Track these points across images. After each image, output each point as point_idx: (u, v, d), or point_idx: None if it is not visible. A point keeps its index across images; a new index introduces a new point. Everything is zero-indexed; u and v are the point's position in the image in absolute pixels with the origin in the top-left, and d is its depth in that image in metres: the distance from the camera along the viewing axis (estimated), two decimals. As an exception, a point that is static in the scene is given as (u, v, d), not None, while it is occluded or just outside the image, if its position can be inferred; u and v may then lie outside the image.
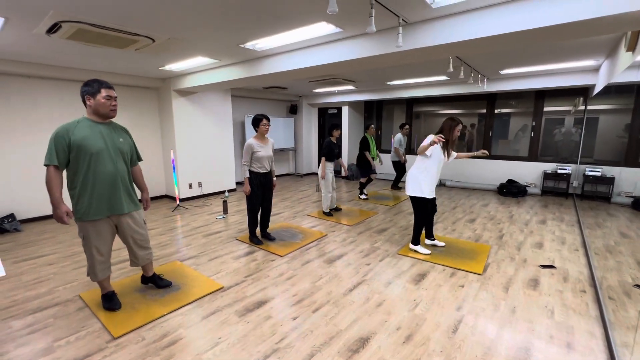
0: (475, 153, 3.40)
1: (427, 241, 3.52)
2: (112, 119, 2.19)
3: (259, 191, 3.46)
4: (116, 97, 2.12)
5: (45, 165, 1.96)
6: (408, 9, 2.38)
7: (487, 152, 3.31)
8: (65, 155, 1.97)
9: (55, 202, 1.96)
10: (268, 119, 3.42)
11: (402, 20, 2.51)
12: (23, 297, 2.50)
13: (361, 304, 2.39)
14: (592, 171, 5.31)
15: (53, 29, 2.71)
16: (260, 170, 3.41)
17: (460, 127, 3.10)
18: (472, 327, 2.12)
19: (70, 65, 4.27)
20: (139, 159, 2.41)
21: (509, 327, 2.12)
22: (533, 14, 2.14)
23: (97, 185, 2.05)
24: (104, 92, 2.03)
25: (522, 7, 2.18)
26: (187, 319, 2.22)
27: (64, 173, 2.06)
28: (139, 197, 2.42)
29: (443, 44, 2.52)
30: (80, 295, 2.52)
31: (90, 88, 2.03)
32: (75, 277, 2.84)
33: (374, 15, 2.09)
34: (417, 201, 3.21)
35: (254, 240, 3.61)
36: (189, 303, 2.41)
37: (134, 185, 2.33)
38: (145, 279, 2.61)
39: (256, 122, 3.40)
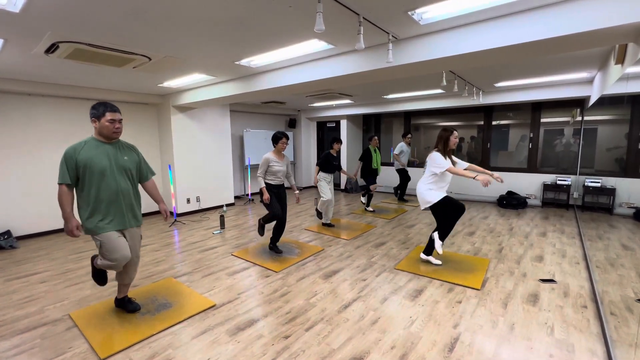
0: (492, 173, 3.02)
1: (423, 256, 3.40)
2: (120, 138, 2.29)
3: (276, 200, 3.61)
4: (121, 119, 2.20)
5: (58, 183, 2.08)
6: (397, 26, 2.42)
7: (501, 179, 2.97)
8: (74, 174, 2.09)
9: (67, 216, 2.08)
10: (287, 137, 3.57)
11: (392, 36, 2.55)
12: (12, 317, 2.46)
13: (355, 322, 2.33)
14: (592, 182, 5.28)
15: (51, 49, 2.77)
16: (273, 183, 3.58)
17: (455, 134, 3.11)
18: (469, 345, 2.05)
19: (69, 83, 4.35)
20: (152, 173, 2.49)
21: (507, 345, 2.05)
22: (518, 30, 2.17)
23: (100, 201, 2.14)
24: (108, 116, 2.13)
25: (506, 24, 2.22)
26: (176, 339, 2.17)
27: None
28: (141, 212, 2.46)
29: (432, 59, 2.56)
30: (70, 314, 2.48)
31: (96, 111, 2.13)
32: (66, 296, 2.80)
33: (362, 32, 2.13)
34: (437, 206, 3.15)
35: (275, 249, 3.74)
36: (180, 322, 2.36)
37: (139, 202, 2.38)
38: (118, 302, 2.52)
39: (276, 139, 3.54)
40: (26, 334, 2.24)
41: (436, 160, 3.07)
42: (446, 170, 3.01)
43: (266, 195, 3.50)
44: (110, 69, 3.55)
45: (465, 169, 3.16)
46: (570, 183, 5.79)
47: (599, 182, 5.21)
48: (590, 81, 4.83)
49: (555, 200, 6.05)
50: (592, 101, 4.64)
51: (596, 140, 5.71)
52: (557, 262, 3.38)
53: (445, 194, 3.15)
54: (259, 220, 3.76)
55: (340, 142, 4.73)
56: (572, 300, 2.59)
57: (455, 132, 3.12)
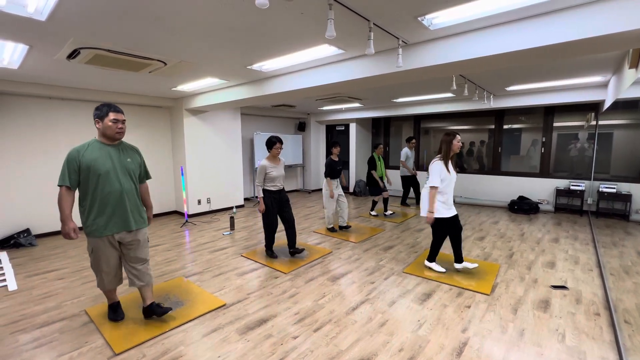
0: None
1: (457, 265, 3.27)
2: (123, 140, 2.30)
3: (274, 208, 3.61)
4: (124, 120, 2.21)
5: (58, 185, 2.09)
6: (406, 31, 2.45)
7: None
8: (77, 177, 2.10)
9: (65, 219, 2.07)
10: (281, 142, 3.59)
11: (402, 41, 2.58)
12: (32, 312, 2.56)
13: (363, 324, 2.35)
14: (606, 187, 5.16)
15: (73, 54, 2.89)
16: (273, 189, 3.58)
17: (458, 137, 3.08)
18: (477, 350, 2.05)
19: (88, 87, 4.51)
20: (148, 177, 2.49)
21: (516, 351, 2.04)
22: (529, 35, 2.18)
23: (104, 203, 2.14)
24: (111, 116, 2.13)
25: (518, 28, 2.22)
26: (188, 336, 2.22)
27: (76, 192, 2.17)
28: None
29: (442, 63, 2.57)
30: (86, 310, 2.57)
31: (100, 112, 2.14)
32: (82, 292, 2.89)
33: (372, 38, 2.16)
34: (436, 222, 3.14)
35: (268, 253, 3.75)
36: (191, 320, 2.42)
37: (142, 202, 2.39)
38: (146, 311, 2.40)
39: (270, 144, 3.56)
40: (45, 328, 2.33)
41: (432, 172, 3.08)
42: (430, 187, 3.07)
43: (262, 206, 3.52)
44: (127, 73, 3.67)
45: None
46: (584, 188, 5.67)
47: (614, 188, 5.09)
48: (604, 85, 4.75)
49: (568, 206, 5.94)
50: (606, 105, 4.56)
51: (612, 145, 5.59)
52: (569, 269, 3.32)
53: (449, 215, 3.10)
54: (265, 247, 3.78)
55: (338, 145, 4.75)
56: (584, 308, 2.55)
57: (457, 135, 3.08)
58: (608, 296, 2.70)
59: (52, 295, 2.85)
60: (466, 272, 3.20)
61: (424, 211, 3.19)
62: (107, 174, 2.13)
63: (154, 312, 2.37)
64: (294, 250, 3.72)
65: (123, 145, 2.30)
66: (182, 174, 5.66)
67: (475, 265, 3.25)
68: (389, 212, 5.83)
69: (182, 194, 5.67)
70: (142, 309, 2.44)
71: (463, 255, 3.71)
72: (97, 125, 2.16)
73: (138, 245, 2.31)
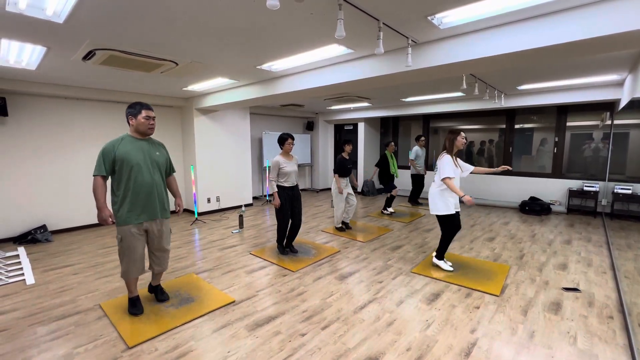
0: (496, 169, 3.36)
1: (435, 260, 3.38)
2: (151, 136, 2.47)
3: (288, 204, 3.66)
4: (154, 117, 2.39)
5: (94, 175, 2.25)
6: (416, 31, 2.44)
7: (508, 167, 3.34)
8: (111, 167, 2.26)
9: (101, 206, 2.24)
10: (293, 138, 3.66)
11: (412, 40, 2.57)
12: (49, 305, 2.65)
13: (371, 323, 2.35)
14: (622, 189, 5.04)
15: (88, 56, 2.97)
16: (287, 185, 3.64)
17: (462, 135, 3.14)
18: (486, 351, 2.03)
19: (103, 87, 4.61)
20: (173, 170, 2.67)
21: (526, 353, 2.02)
22: (539, 34, 2.15)
23: (136, 193, 2.29)
24: (144, 113, 2.33)
25: (528, 27, 2.19)
26: (198, 332, 2.27)
27: (108, 183, 2.33)
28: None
29: (452, 62, 2.55)
30: (100, 304, 2.64)
31: (133, 110, 2.33)
32: (97, 287, 2.97)
33: (381, 37, 2.16)
34: (445, 218, 3.18)
35: (280, 249, 3.83)
36: (201, 316, 2.46)
37: (168, 194, 2.55)
38: (151, 288, 2.74)
39: (282, 140, 3.63)
40: (61, 321, 2.40)
41: (443, 165, 3.10)
42: (442, 179, 3.07)
43: (277, 201, 3.56)
44: (139, 74, 3.75)
45: (471, 172, 3.32)
46: (598, 189, 5.55)
47: (629, 189, 4.97)
48: (620, 83, 4.64)
49: (581, 207, 5.82)
50: (622, 104, 4.45)
51: (628, 145, 5.45)
52: (582, 271, 3.26)
53: (454, 211, 3.15)
54: (277, 242, 3.85)
55: (350, 143, 4.75)
56: (597, 310, 2.50)
57: (462, 133, 3.14)
58: (622, 299, 2.64)
59: (68, 289, 2.94)
60: (475, 273, 3.18)
61: (436, 210, 3.19)
62: (139, 166, 2.29)
63: (155, 294, 2.70)
64: (290, 247, 3.83)
65: (152, 140, 2.47)
66: (192, 173, 5.75)
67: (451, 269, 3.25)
68: (388, 210, 5.82)
69: (192, 192, 5.75)
70: (149, 285, 2.75)
71: (471, 256, 3.70)
72: (131, 122, 2.34)
73: (162, 235, 2.48)
